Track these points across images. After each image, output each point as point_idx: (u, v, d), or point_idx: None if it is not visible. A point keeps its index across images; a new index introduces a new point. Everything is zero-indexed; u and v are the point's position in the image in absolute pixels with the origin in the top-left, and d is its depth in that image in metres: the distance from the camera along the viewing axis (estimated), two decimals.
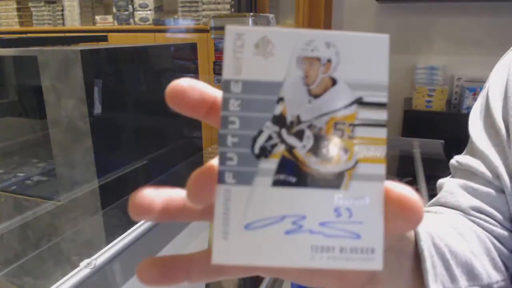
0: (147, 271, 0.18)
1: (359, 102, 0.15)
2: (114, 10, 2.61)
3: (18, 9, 2.63)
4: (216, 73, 1.02)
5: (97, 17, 2.70)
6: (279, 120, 0.15)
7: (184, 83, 0.16)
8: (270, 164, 0.15)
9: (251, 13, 1.08)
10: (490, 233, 0.34)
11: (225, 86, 0.15)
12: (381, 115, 0.15)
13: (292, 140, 0.15)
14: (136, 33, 2.54)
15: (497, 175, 0.35)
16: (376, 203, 0.15)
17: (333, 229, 0.15)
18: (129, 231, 0.67)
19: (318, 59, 0.15)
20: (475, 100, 0.42)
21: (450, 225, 0.33)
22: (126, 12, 2.58)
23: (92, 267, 0.56)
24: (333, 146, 0.15)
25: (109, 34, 2.21)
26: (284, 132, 0.15)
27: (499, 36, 1.97)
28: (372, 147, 0.15)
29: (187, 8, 2.49)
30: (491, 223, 0.34)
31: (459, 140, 0.49)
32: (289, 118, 0.15)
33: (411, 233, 0.25)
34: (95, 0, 2.79)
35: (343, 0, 2.30)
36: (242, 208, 0.15)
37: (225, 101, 0.15)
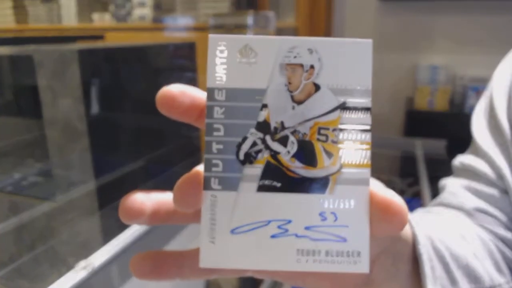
0: (140, 265, 0.18)
1: (343, 107, 0.16)
2: (112, 8, 2.59)
3: (14, 7, 2.61)
4: None
5: (95, 15, 2.68)
6: (263, 127, 0.16)
7: (174, 89, 0.16)
8: (255, 170, 0.16)
9: (251, 11, 1.06)
10: (494, 235, 0.34)
11: (209, 94, 0.15)
12: (366, 120, 0.16)
13: (276, 146, 0.16)
14: (134, 31, 2.52)
15: (500, 176, 0.35)
16: (361, 206, 0.15)
17: (319, 233, 0.16)
18: (127, 232, 0.66)
19: (301, 65, 0.15)
20: (478, 99, 0.41)
21: (452, 227, 0.32)
22: (124, 10, 2.57)
23: (89, 269, 0.55)
24: (317, 151, 0.16)
25: (107, 33, 2.19)
26: (268, 138, 0.16)
27: (502, 35, 1.96)
28: (357, 152, 0.16)
29: (186, 6, 2.47)
30: (494, 225, 0.34)
31: (462, 140, 0.48)
32: (273, 124, 0.16)
33: (408, 236, 0.25)
34: None
35: None
36: (228, 213, 0.15)
37: (209, 109, 0.15)
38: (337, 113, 0.15)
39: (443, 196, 0.38)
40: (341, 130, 0.15)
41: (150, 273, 0.18)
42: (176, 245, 0.77)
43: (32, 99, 1.06)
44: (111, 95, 0.93)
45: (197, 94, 0.16)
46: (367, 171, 0.15)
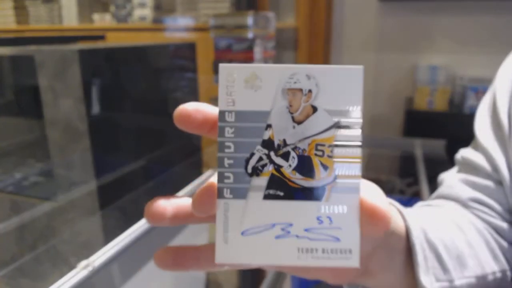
0: (163, 258, 0.21)
1: (337, 126, 0.18)
2: (112, 9, 2.59)
3: (15, 8, 2.61)
4: (215, 72, 1.01)
5: (95, 16, 2.68)
6: (268, 144, 0.18)
7: (189, 107, 0.19)
8: (261, 181, 0.18)
9: (251, 11, 1.06)
10: (489, 224, 0.35)
11: (220, 116, 0.18)
12: (357, 137, 0.18)
13: (279, 161, 0.18)
14: (134, 32, 2.52)
15: (495, 168, 0.36)
16: (352, 211, 0.18)
17: (316, 234, 0.18)
18: (127, 232, 0.66)
19: (300, 90, 0.18)
20: (477, 100, 0.42)
21: (448, 217, 0.34)
22: (125, 11, 2.57)
23: (90, 269, 0.56)
24: (315, 165, 0.18)
25: (108, 33, 2.19)
26: (272, 154, 0.18)
27: (502, 35, 1.96)
28: (349, 165, 0.18)
29: (186, 6, 2.47)
30: (490, 215, 0.35)
31: (461, 140, 0.49)
32: (277, 142, 0.18)
33: (401, 230, 0.27)
34: None
35: None
36: (239, 218, 0.18)
37: (221, 129, 0.18)
38: (332, 131, 0.18)
39: (441, 189, 0.39)
40: (335, 146, 0.18)
41: (172, 264, 0.21)
42: (177, 243, 0.77)
43: (33, 99, 1.06)
44: (111, 95, 0.93)
45: (209, 111, 0.19)
46: (358, 181, 0.18)
